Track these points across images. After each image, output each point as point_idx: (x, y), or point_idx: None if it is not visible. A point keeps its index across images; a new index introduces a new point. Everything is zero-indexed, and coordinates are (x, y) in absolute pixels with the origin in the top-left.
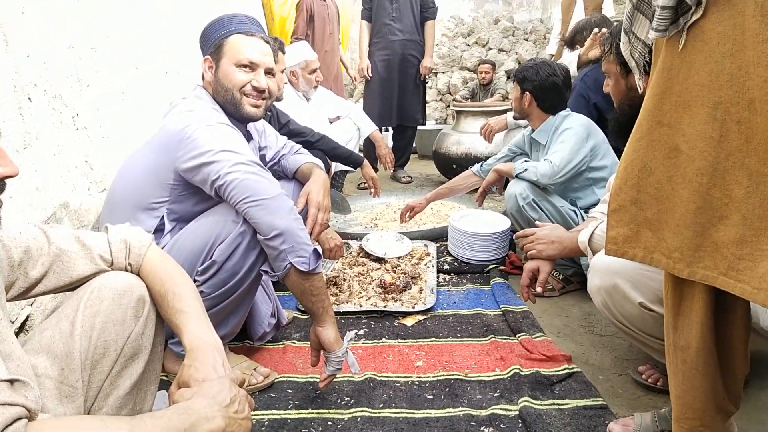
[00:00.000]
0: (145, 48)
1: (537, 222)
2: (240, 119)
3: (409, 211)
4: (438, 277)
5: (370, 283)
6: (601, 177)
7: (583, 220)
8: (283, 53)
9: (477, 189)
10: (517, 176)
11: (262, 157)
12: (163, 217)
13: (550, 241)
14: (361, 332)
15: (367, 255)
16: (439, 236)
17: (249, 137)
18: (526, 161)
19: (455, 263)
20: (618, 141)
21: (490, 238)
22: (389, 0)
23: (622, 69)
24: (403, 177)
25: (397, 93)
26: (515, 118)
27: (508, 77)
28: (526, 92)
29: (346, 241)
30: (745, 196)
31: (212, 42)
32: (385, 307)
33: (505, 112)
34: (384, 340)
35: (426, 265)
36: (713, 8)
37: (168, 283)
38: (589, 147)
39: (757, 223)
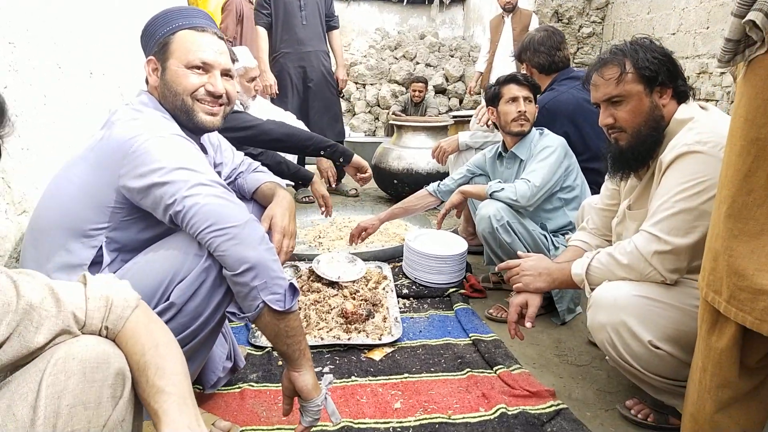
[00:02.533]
0: (69, 43)
1: (519, 252)
2: (193, 129)
3: (360, 233)
4: (398, 302)
5: (328, 312)
6: (572, 197)
7: (553, 245)
8: None
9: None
10: (491, 195)
11: (217, 175)
12: (101, 247)
13: (537, 273)
14: (326, 370)
15: (319, 278)
16: (391, 257)
17: (203, 151)
18: (499, 181)
19: (414, 287)
20: (623, 172)
21: (449, 260)
22: (298, 6)
23: (646, 85)
24: (350, 190)
25: (328, 107)
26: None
27: (436, 92)
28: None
29: (294, 263)
30: (758, 233)
31: (156, 40)
32: (349, 339)
33: (445, 127)
34: (354, 378)
35: (384, 289)
36: None
37: (150, 352)
38: (564, 167)
39: (764, 260)
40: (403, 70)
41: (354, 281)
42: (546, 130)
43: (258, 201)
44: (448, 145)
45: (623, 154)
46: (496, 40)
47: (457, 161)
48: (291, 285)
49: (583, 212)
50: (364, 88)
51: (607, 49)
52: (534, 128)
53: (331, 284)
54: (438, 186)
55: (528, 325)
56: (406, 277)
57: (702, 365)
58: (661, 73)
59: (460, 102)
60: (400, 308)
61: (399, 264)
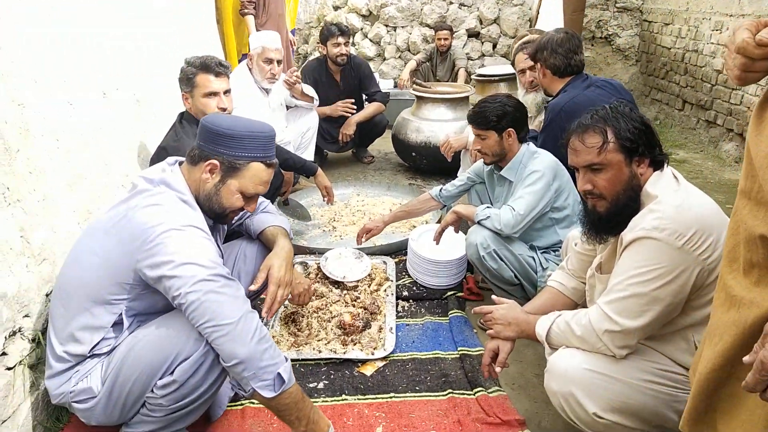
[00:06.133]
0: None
1: (494, 297)
2: (216, 223)
3: (365, 233)
4: (397, 305)
5: (329, 321)
6: (564, 216)
7: (541, 265)
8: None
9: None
10: (478, 223)
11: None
12: (121, 313)
13: (507, 323)
14: (321, 385)
15: (325, 276)
16: (397, 250)
17: None
18: (488, 207)
19: (414, 288)
20: (600, 237)
21: (450, 265)
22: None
23: (627, 155)
24: (366, 157)
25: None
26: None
27: (469, 36)
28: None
29: (303, 259)
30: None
31: (230, 155)
32: (344, 353)
33: (466, 98)
34: (344, 396)
35: (385, 292)
36: None
37: None
38: (554, 189)
39: None
40: (435, 12)
41: (358, 281)
42: (539, 150)
43: (262, 242)
44: (456, 141)
45: (602, 220)
46: None
47: (464, 158)
48: (279, 375)
49: (567, 246)
50: (394, 31)
51: (588, 114)
52: (525, 145)
53: (336, 283)
54: (440, 192)
55: (498, 369)
56: (409, 276)
57: None
58: (641, 144)
59: (494, 47)
60: (398, 311)
61: (404, 258)
